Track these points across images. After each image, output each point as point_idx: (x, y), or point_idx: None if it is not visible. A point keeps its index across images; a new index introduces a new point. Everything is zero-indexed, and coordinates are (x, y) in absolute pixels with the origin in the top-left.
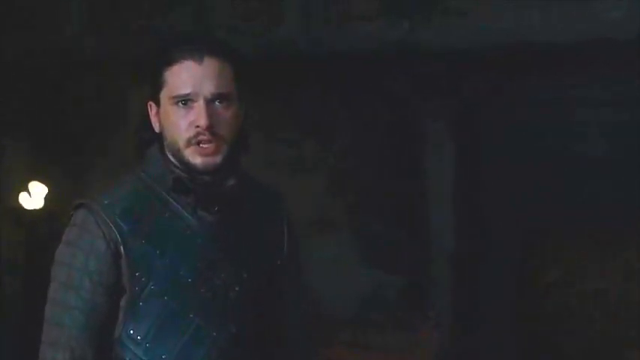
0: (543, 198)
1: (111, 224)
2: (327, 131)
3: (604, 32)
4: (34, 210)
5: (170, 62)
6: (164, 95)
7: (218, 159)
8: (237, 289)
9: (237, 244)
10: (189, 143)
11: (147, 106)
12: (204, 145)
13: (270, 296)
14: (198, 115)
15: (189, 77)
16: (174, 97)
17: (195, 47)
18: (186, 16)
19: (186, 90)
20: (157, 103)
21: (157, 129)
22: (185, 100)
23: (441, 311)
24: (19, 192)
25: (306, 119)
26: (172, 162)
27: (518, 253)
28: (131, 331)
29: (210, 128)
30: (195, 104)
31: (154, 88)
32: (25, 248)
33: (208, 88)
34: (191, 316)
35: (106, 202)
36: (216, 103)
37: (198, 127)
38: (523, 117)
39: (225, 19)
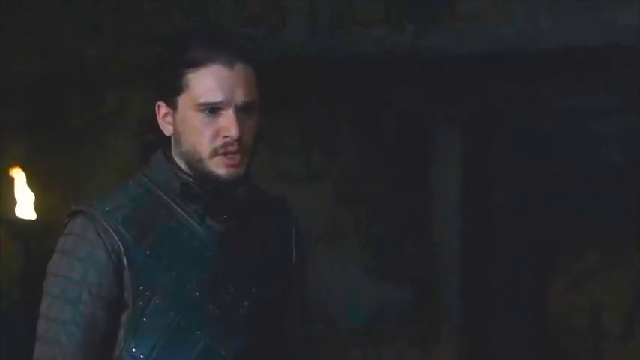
0: (553, 207)
1: (113, 233)
2: (333, 139)
3: (618, 38)
4: (32, 220)
5: (195, 64)
6: (185, 100)
7: (241, 170)
8: (246, 304)
9: (246, 255)
10: (214, 153)
11: (155, 106)
12: (232, 156)
13: (278, 311)
14: (228, 124)
15: (220, 84)
16: (201, 104)
17: (223, 49)
18: (188, 20)
19: (217, 98)
20: (172, 106)
21: (167, 132)
22: (213, 109)
23: (453, 323)
24: (16, 202)
25: (312, 127)
26: (179, 167)
27: (527, 262)
28: (133, 349)
29: (240, 139)
30: (223, 112)
31: (169, 90)
32: (24, 261)
33: (239, 96)
34: (198, 333)
35: (106, 208)
36: (243, 110)
37: (226, 137)
38: (534, 125)
39: (229, 23)
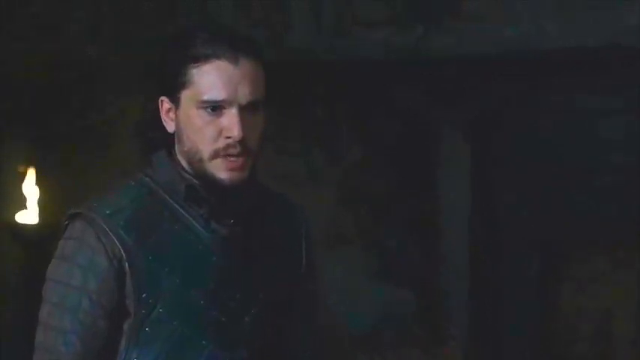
0: (560, 210)
1: (114, 237)
2: (336, 142)
3: (618, 39)
4: (32, 225)
5: (198, 59)
6: (188, 96)
7: (245, 173)
8: (253, 311)
9: (253, 260)
10: (216, 155)
11: (157, 102)
12: (233, 159)
13: (286, 318)
14: (230, 124)
15: (224, 81)
16: (203, 102)
17: (228, 45)
18: (188, 20)
19: (220, 96)
20: (175, 102)
21: (169, 129)
22: (215, 107)
23: (459, 327)
24: (17, 206)
25: (315, 129)
26: (183, 167)
27: (533, 266)
28: (135, 359)
29: (243, 140)
30: (226, 111)
31: (171, 85)
32: (24, 266)
33: (244, 95)
34: (203, 342)
35: (107, 211)
36: (247, 110)
37: (229, 137)
38: (539, 126)
39: (229, 24)
